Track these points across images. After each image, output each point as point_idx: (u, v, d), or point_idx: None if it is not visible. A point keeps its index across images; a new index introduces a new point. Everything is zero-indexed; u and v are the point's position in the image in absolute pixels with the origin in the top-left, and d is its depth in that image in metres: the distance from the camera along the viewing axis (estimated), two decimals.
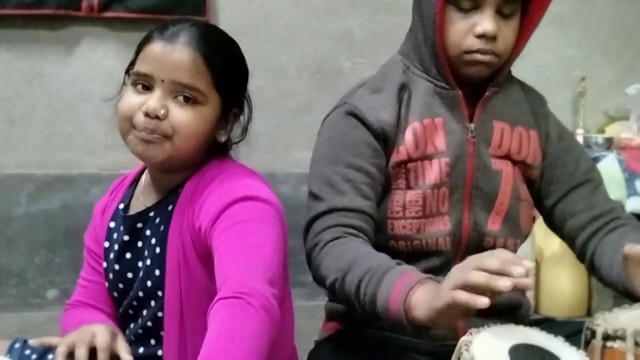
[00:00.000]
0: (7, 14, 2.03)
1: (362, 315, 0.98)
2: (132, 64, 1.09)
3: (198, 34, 1.05)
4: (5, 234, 2.07)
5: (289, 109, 2.17)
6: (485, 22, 1.04)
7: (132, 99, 1.04)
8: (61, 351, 0.98)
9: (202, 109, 1.05)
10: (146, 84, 1.04)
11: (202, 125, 1.06)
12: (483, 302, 0.74)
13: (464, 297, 0.76)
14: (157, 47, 1.03)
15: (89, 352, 0.98)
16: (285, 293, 1.09)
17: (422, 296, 0.84)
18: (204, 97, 1.05)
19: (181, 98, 1.03)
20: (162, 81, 1.02)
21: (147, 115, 1.02)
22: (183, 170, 1.09)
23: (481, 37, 1.05)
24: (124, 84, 1.11)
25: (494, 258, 0.78)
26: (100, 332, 1.01)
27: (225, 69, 1.07)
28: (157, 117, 1.01)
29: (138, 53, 1.07)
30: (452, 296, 0.77)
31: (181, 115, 1.03)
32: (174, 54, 1.02)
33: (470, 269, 0.78)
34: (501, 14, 1.06)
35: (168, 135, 1.03)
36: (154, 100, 1.02)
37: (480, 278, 0.75)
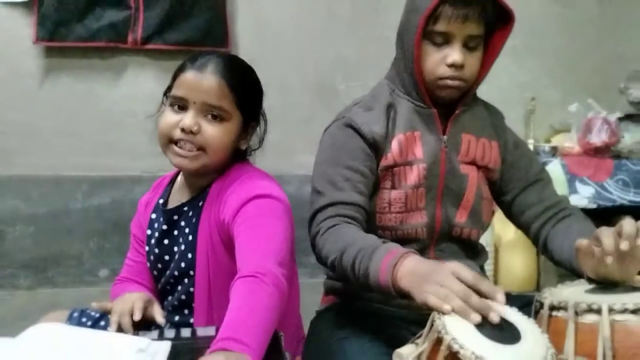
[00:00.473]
0: (67, 45, 2.03)
1: (356, 290, 0.98)
2: (169, 88, 1.09)
3: (222, 64, 1.05)
4: (65, 224, 2.07)
5: (293, 121, 2.17)
6: (454, 53, 1.04)
7: (170, 118, 1.05)
8: (113, 320, 0.99)
9: (227, 124, 1.06)
10: (181, 105, 1.04)
11: (228, 137, 1.06)
12: (447, 309, 0.75)
13: (433, 301, 0.76)
14: (189, 75, 1.04)
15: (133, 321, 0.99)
16: (292, 272, 1.09)
17: (408, 268, 0.84)
18: (228, 114, 1.05)
19: (210, 116, 1.04)
20: (194, 103, 1.03)
21: (183, 130, 1.02)
22: (211, 173, 1.09)
23: (451, 66, 1.05)
24: (162, 103, 1.11)
25: (470, 273, 0.78)
26: (138, 297, 1.02)
27: (244, 91, 1.07)
28: (192, 132, 1.02)
29: (174, 79, 1.07)
30: (425, 299, 0.78)
31: (211, 130, 1.04)
32: (203, 80, 1.03)
33: (448, 275, 0.78)
34: (467, 47, 1.06)
35: (202, 147, 1.03)
36: (188, 118, 1.03)
37: (456, 302, 0.75)
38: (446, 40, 1.05)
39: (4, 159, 2.04)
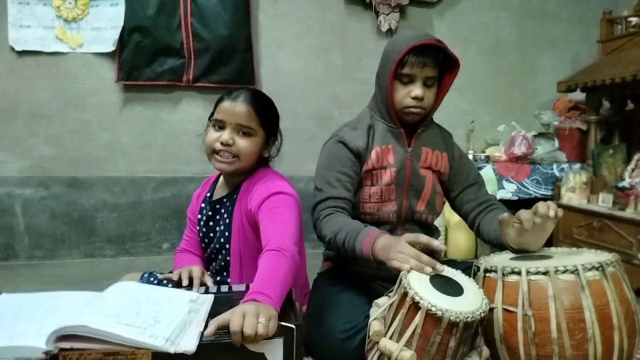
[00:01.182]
0: (139, 84, 2.03)
1: (346, 258, 0.99)
2: (212, 114, 1.08)
3: (251, 95, 1.05)
4: (138, 211, 2.07)
5: (302, 139, 2.17)
6: (416, 89, 1.05)
7: (213, 135, 1.04)
8: (171, 276, 0.98)
9: (254, 138, 1.05)
10: (220, 125, 1.04)
11: (255, 148, 1.06)
12: (406, 267, 0.79)
13: (396, 265, 0.81)
14: (227, 104, 1.03)
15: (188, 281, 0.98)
16: (301, 246, 1.09)
17: (381, 246, 0.87)
18: (255, 131, 1.05)
19: (241, 133, 1.04)
20: (230, 123, 1.03)
21: (222, 143, 1.02)
22: (242, 174, 1.09)
23: (414, 98, 1.05)
24: (207, 126, 1.11)
25: (417, 236, 0.83)
26: (195, 269, 1.01)
27: (266, 114, 1.07)
28: (228, 144, 1.02)
29: (215, 107, 1.07)
30: (391, 264, 0.82)
31: (242, 143, 1.03)
32: (237, 108, 1.02)
33: (404, 243, 0.83)
34: (426, 85, 1.06)
35: (236, 155, 1.03)
36: (226, 135, 1.02)
37: (412, 262, 0.81)
38: (410, 80, 1.05)
39: (96, 165, 2.04)
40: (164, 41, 2.00)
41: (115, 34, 1.96)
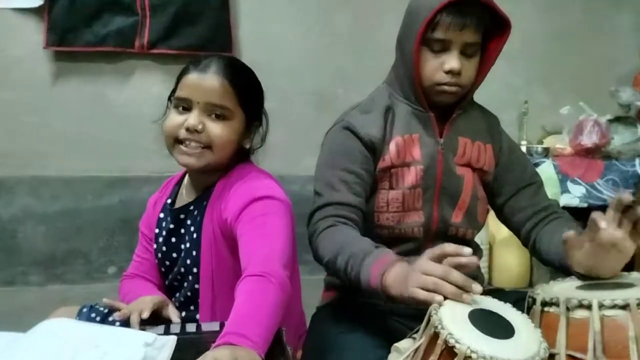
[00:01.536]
0: (77, 50, 2.03)
1: (351, 288, 0.99)
2: (173, 91, 1.09)
3: (224, 65, 1.05)
4: (75, 223, 2.07)
5: (296, 125, 2.17)
6: (452, 60, 1.04)
7: (175, 119, 1.05)
8: (119, 315, 0.98)
9: (230, 122, 1.05)
10: (185, 106, 1.04)
11: (232, 135, 1.06)
12: (439, 299, 0.76)
13: (422, 295, 0.77)
14: (192, 77, 1.03)
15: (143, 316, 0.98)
16: (294, 270, 1.09)
17: (394, 277, 0.85)
18: (231, 113, 1.05)
19: (213, 115, 1.04)
20: (198, 103, 1.03)
21: (188, 129, 1.02)
22: (215, 172, 1.09)
23: (448, 72, 1.05)
24: (167, 107, 1.11)
25: (443, 247, 0.80)
26: (151, 300, 1.01)
27: (246, 90, 1.07)
28: (196, 131, 1.02)
29: (177, 82, 1.07)
30: (413, 293, 0.78)
31: (215, 129, 1.03)
32: (206, 81, 1.02)
33: (425, 260, 0.80)
34: (464, 54, 1.06)
35: (207, 145, 1.03)
36: (192, 118, 1.02)
37: (446, 289, 0.77)
38: (444, 47, 1.05)
39: (16, 160, 2.04)
40: None
41: None
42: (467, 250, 0.79)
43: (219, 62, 1.05)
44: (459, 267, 0.79)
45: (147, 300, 1.02)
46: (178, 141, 1.05)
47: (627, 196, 0.87)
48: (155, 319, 1.00)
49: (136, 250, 1.23)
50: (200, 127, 1.02)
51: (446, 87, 1.06)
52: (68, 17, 1.99)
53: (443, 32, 1.03)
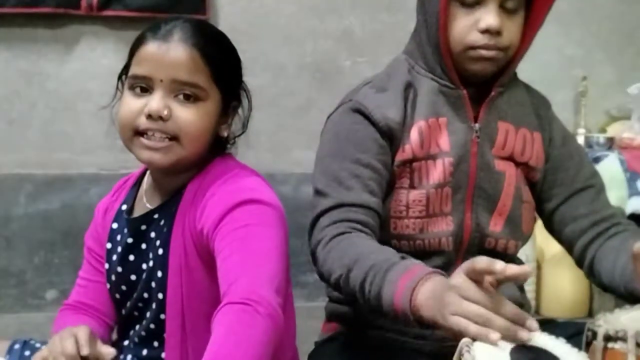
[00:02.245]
0: (5, 12, 2.03)
1: (365, 315, 0.99)
2: (126, 67, 1.08)
3: (191, 30, 1.04)
4: (4, 234, 2.07)
5: (288, 107, 2.17)
6: (489, 16, 1.04)
7: (132, 103, 1.04)
8: (37, 357, 0.98)
9: (203, 105, 1.05)
10: (144, 86, 1.03)
11: (206, 121, 1.06)
12: (495, 337, 0.74)
13: (462, 323, 0.76)
14: (152, 47, 1.03)
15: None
16: (287, 295, 1.09)
17: (427, 294, 0.83)
18: (204, 92, 1.04)
19: (182, 96, 1.03)
20: (161, 81, 1.02)
21: (149, 117, 1.01)
22: (186, 171, 1.09)
23: (485, 32, 1.05)
24: (118, 89, 1.10)
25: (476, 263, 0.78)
26: (79, 329, 1.00)
27: (221, 62, 1.07)
28: (161, 118, 1.01)
29: (131, 56, 1.06)
30: (451, 322, 0.77)
31: (184, 114, 1.03)
32: (170, 52, 1.02)
33: (462, 274, 0.79)
34: (505, 9, 1.06)
35: (175, 135, 1.03)
36: (155, 101, 1.02)
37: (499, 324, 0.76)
38: (478, 1, 1.05)
39: None
40: None
41: None
42: (501, 264, 0.78)
43: (185, 27, 1.04)
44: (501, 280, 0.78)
45: (75, 331, 1.00)
46: (138, 133, 1.04)
47: None
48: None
49: (80, 270, 1.23)
50: (165, 112, 1.01)
51: (483, 52, 1.06)
52: None
53: None
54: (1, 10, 2.03)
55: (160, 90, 1.02)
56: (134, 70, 1.05)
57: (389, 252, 0.95)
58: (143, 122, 1.03)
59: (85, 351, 0.96)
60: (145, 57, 1.03)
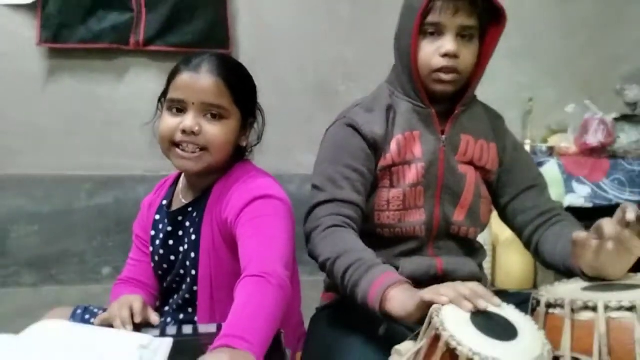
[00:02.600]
0: (70, 47, 2.04)
1: (342, 292, 0.99)
2: (164, 93, 1.08)
3: (217, 63, 1.04)
4: (68, 223, 2.07)
5: (294, 122, 2.17)
6: (448, 43, 1.05)
7: (170, 121, 1.04)
8: (98, 320, 0.98)
9: (227, 122, 1.05)
10: (180, 107, 1.04)
11: (229, 135, 1.06)
12: (444, 300, 0.76)
13: (429, 296, 0.77)
14: (185, 77, 1.03)
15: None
16: (294, 271, 1.09)
17: (397, 294, 0.85)
18: (227, 112, 1.04)
19: (209, 115, 1.03)
20: (193, 103, 1.02)
21: (184, 132, 1.02)
22: (213, 174, 1.09)
23: (445, 55, 1.05)
24: (158, 109, 1.10)
25: (466, 288, 0.78)
26: (135, 299, 1.01)
27: (240, 88, 1.07)
28: (193, 133, 1.01)
29: (169, 83, 1.06)
30: (420, 296, 0.78)
31: (212, 129, 1.03)
32: (200, 81, 1.02)
33: (436, 286, 0.79)
34: (462, 38, 1.06)
35: (204, 147, 1.03)
36: (189, 120, 1.02)
37: (450, 293, 0.77)
38: (439, 31, 1.05)
39: (7, 159, 2.04)
40: None
41: None
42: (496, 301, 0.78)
43: (211, 61, 1.04)
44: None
45: (132, 300, 1.01)
46: (174, 144, 1.04)
47: (630, 215, 0.87)
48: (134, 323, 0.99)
49: (130, 253, 1.22)
50: (197, 128, 1.02)
51: (443, 75, 1.06)
52: (62, 14, 2.00)
53: (437, 16, 1.04)
54: (67, 46, 2.03)
55: (192, 111, 1.02)
56: (172, 95, 1.04)
57: (371, 254, 0.96)
58: (179, 136, 1.03)
59: (138, 319, 0.96)
60: (181, 84, 1.03)
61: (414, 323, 0.81)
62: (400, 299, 0.83)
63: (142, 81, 2.11)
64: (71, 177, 2.08)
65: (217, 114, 1.04)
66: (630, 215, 0.87)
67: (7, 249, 2.03)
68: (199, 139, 1.02)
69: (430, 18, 1.04)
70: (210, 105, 1.03)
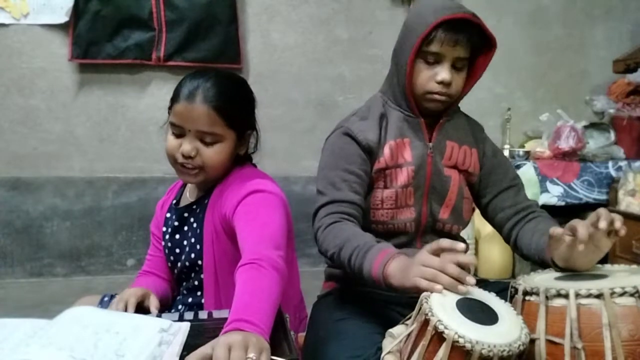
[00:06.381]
0: (98, 62, 2.05)
1: (353, 277, 0.99)
2: (170, 107, 1.07)
3: (209, 92, 1.03)
4: (97, 219, 2.07)
5: (298, 130, 2.17)
6: (444, 72, 1.04)
7: (172, 142, 1.05)
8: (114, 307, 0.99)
9: (221, 144, 1.05)
10: (178, 133, 1.04)
11: (224, 155, 1.06)
12: (439, 289, 0.78)
13: (424, 284, 0.79)
14: (181, 106, 1.02)
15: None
16: (292, 257, 1.09)
17: (395, 268, 0.86)
18: (221, 136, 1.04)
19: (206, 139, 1.03)
20: (189, 130, 1.03)
21: (183, 155, 1.03)
22: (215, 180, 1.10)
23: (440, 83, 1.05)
24: (166, 124, 1.09)
25: (440, 241, 0.81)
26: (131, 293, 1.01)
27: (234, 112, 1.06)
28: (190, 157, 1.02)
29: (171, 105, 1.05)
30: (415, 282, 0.80)
31: (207, 152, 1.04)
32: (193, 111, 1.01)
33: (425, 254, 0.82)
34: (455, 67, 1.06)
35: (201, 167, 1.03)
36: (186, 145, 1.03)
37: (444, 279, 0.79)
38: (437, 60, 1.05)
39: (44, 162, 2.04)
40: (128, 10, 2.01)
41: (69, 1, 1.97)
42: (461, 245, 0.81)
43: (205, 90, 1.02)
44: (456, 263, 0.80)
45: (129, 294, 1.01)
46: (177, 162, 1.05)
47: (602, 224, 0.87)
48: (139, 309, 0.99)
49: (149, 249, 1.23)
50: (193, 153, 1.02)
51: (436, 96, 1.06)
52: (91, 32, 2.00)
53: (438, 47, 1.03)
54: (95, 61, 2.04)
55: (189, 136, 1.03)
56: (172, 119, 1.04)
57: (368, 237, 0.96)
58: (179, 158, 1.03)
59: (131, 312, 0.97)
60: (178, 113, 1.03)
61: (414, 293, 0.82)
62: (398, 278, 0.85)
63: (163, 93, 2.12)
64: (100, 179, 2.08)
65: (211, 140, 1.03)
66: (602, 225, 0.86)
67: (42, 243, 2.04)
68: (196, 161, 1.03)
69: (432, 47, 1.03)
70: (204, 132, 1.02)
